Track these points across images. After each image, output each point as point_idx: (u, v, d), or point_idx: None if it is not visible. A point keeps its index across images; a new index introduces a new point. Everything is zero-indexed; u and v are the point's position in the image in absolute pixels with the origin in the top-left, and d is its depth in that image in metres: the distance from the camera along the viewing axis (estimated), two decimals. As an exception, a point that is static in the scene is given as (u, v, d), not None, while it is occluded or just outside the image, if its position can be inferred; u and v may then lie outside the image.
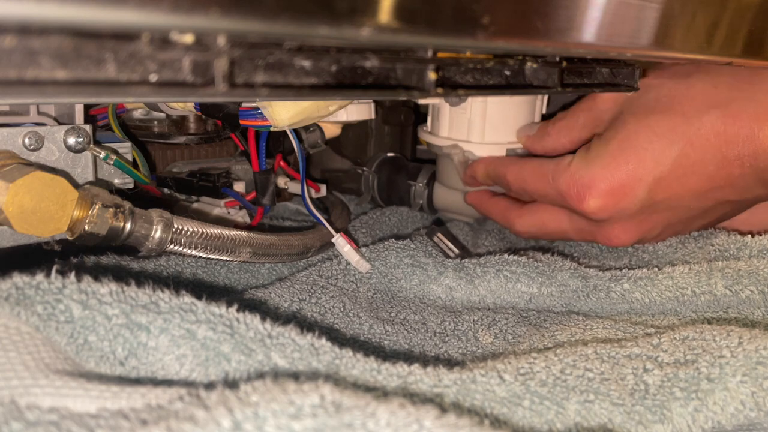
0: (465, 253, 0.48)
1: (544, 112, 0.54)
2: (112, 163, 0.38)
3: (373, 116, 0.51)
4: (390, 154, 0.63)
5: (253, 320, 0.27)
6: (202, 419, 0.19)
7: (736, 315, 0.39)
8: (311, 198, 0.48)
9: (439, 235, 0.48)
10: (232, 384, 0.22)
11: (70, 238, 0.32)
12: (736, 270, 0.39)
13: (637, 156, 0.41)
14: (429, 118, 0.56)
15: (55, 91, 0.23)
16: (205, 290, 0.42)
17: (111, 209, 0.32)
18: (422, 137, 0.57)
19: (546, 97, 0.54)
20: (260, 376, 0.25)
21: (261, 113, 0.42)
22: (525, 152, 0.54)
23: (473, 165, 0.53)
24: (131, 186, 0.40)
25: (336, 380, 0.25)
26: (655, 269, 0.41)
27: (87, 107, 0.40)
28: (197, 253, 0.36)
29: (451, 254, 0.47)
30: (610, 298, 0.41)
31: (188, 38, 0.25)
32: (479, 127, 0.52)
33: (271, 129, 0.42)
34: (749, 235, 0.43)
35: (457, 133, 0.53)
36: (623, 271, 0.42)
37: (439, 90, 0.36)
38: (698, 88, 0.42)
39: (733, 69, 0.42)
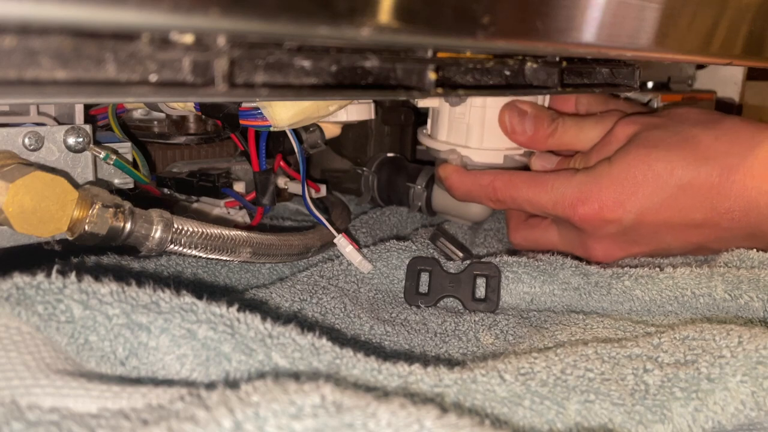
0: (468, 256, 0.48)
1: None
2: (112, 163, 0.38)
3: (373, 116, 0.51)
4: (390, 155, 0.63)
5: (254, 320, 0.27)
6: (203, 419, 0.19)
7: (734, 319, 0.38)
8: (311, 198, 0.48)
9: (442, 239, 0.48)
10: (232, 384, 0.22)
11: (70, 238, 0.32)
12: (737, 276, 0.39)
13: (632, 187, 0.43)
14: (429, 121, 0.56)
15: (55, 91, 0.23)
16: (205, 290, 0.42)
17: (111, 209, 0.32)
18: (421, 140, 0.57)
19: (547, 101, 0.53)
20: (261, 375, 0.25)
21: (261, 113, 0.42)
22: (523, 160, 0.54)
23: (450, 178, 0.50)
24: (131, 186, 0.40)
25: (337, 380, 0.25)
26: (657, 269, 0.41)
27: (87, 107, 0.40)
28: (197, 253, 0.36)
29: (454, 257, 0.47)
30: (612, 294, 0.41)
31: (188, 38, 0.25)
32: (478, 133, 0.52)
33: (271, 129, 0.42)
34: (754, 249, 0.42)
35: (455, 137, 0.53)
36: (625, 269, 0.42)
37: (439, 90, 0.36)
38: (701, 137, 0.43)
39: (736, 124, 0.44)
